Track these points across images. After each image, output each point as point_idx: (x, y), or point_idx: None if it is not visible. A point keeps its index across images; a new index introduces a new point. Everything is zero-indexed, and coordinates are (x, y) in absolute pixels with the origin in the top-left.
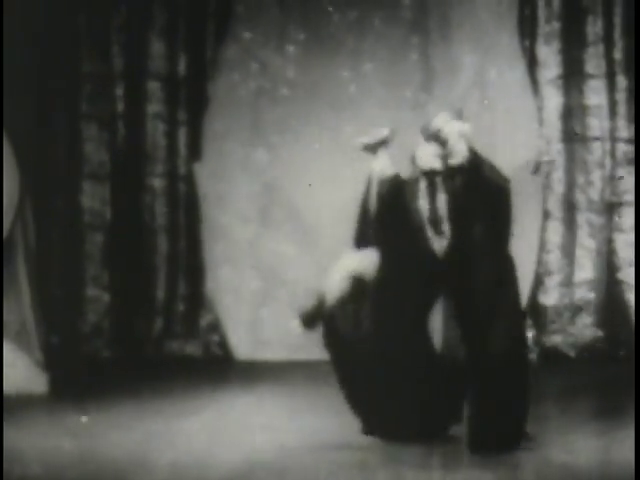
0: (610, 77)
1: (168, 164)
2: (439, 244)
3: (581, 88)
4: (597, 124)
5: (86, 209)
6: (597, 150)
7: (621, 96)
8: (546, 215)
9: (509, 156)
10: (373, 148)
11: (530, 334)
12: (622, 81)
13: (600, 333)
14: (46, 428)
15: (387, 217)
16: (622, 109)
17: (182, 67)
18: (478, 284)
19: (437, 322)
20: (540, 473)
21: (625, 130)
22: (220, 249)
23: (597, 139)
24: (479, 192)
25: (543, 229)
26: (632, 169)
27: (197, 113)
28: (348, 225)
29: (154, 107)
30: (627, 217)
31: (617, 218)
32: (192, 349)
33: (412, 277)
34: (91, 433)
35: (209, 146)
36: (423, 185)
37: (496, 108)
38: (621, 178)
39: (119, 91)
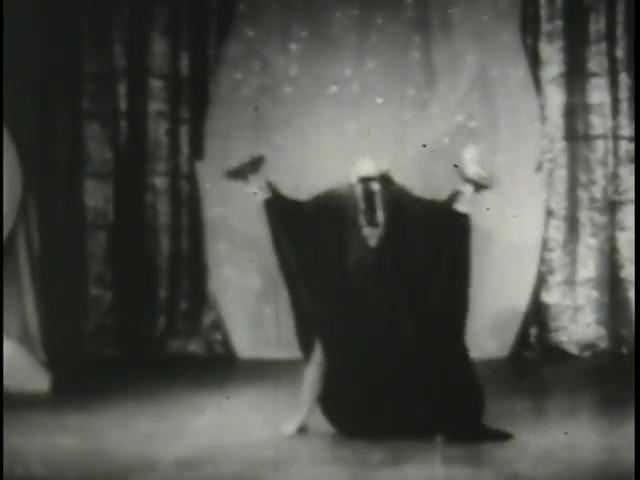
0: (613, 75)
1: (170, 162)
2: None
3: (584, 86)
4: (600, 122)
5: (89, 208)
6: (600, 148)
7: (624, 94)
8: (549, 213)
9: (511, 154)
10: (242, 173)
11: (533, 332)
12: (625, 79)
13: (602, 331)
14: (48, 427)
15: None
16: (625, 107)
17: (184, 65)
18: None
19: None
20: (541, 469)
21: (627, 128)
22: (223, 247)
23: (599, 137)
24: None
25: (546, 227)
26: (634, 167)
27: (199, 111)
28: None
29: (156, 105)
30: (629, 215)
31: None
32: (195, 347)
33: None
34: (93, 432)
35: (211, 144)
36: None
37: (498, 106)
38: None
39: (121, 89)
